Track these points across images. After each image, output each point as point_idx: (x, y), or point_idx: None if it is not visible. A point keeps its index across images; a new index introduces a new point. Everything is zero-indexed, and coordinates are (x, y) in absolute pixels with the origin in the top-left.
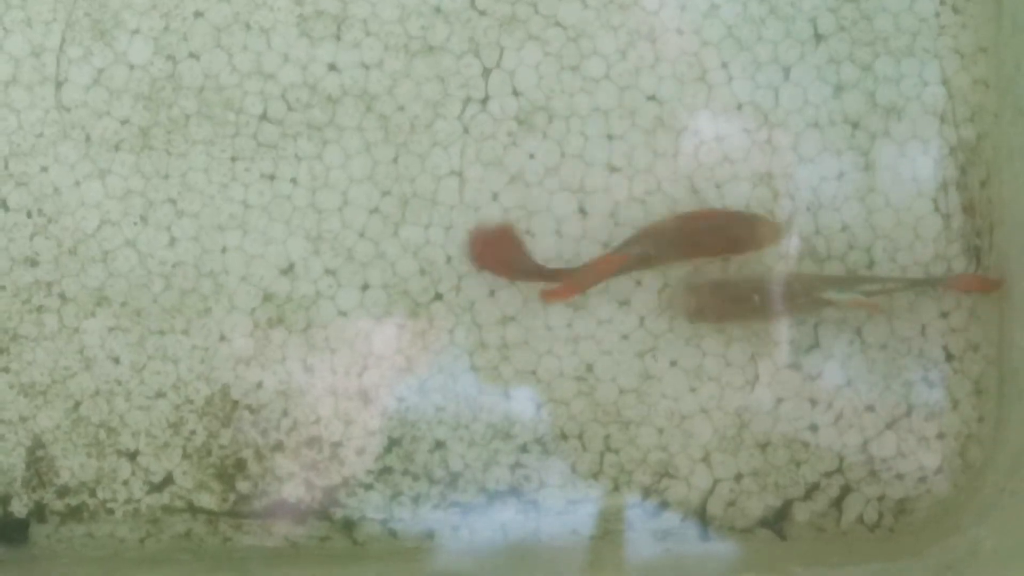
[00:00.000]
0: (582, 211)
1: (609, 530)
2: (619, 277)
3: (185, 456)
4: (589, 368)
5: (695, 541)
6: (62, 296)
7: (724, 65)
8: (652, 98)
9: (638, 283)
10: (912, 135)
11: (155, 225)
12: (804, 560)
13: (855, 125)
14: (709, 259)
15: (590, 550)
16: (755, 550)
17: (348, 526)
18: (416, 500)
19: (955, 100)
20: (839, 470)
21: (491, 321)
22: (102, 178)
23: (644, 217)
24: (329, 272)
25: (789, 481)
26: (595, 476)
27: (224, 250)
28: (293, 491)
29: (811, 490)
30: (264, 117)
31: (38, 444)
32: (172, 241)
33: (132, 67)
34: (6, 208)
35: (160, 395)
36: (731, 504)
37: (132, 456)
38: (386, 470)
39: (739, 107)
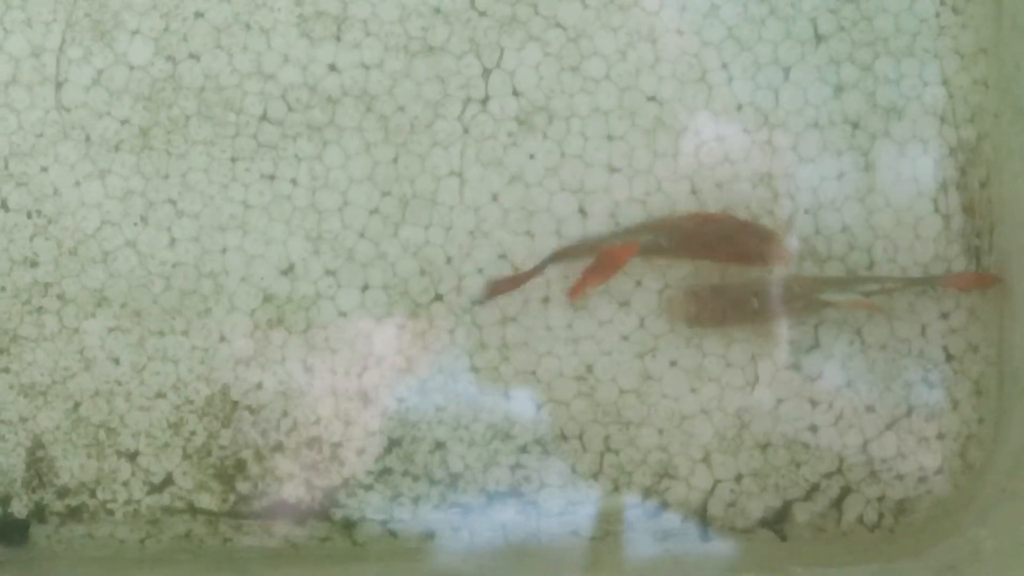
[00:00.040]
0: (582, 211)
1: (609, 531)
2: (617, 279)
3: (185, 457)
4: (589, 369)
5: (695, 542)
6: (62, 297)
7: (724, 66)
8: (652, 99)
9: (638, 283)
10: (912, 135)
11: (155, 226)
12: (804, 561)
13: (855, 125)
14: (713, 263)
15: (590, 551)
16: (755, 551)
17: (348, 527)
18: (416, 501)
19: (955, 100)
20: (839, 471)
21: (491, 322)
22: (102, 178)
23: (645, 217)
24: (329, 273)
25: (789, 482)
26: (595, 477)
27: (224, 251)
28: (293, 492)
29: (811, 491)
30: (264, 117)
31: (38, 445)
32: (172, 242)
33: (132, 68)
34: (6, 208)
35: (160, 396)
36: (731, 505)
37: (132, 457)
38: (386, 471)
39: (739, 108)
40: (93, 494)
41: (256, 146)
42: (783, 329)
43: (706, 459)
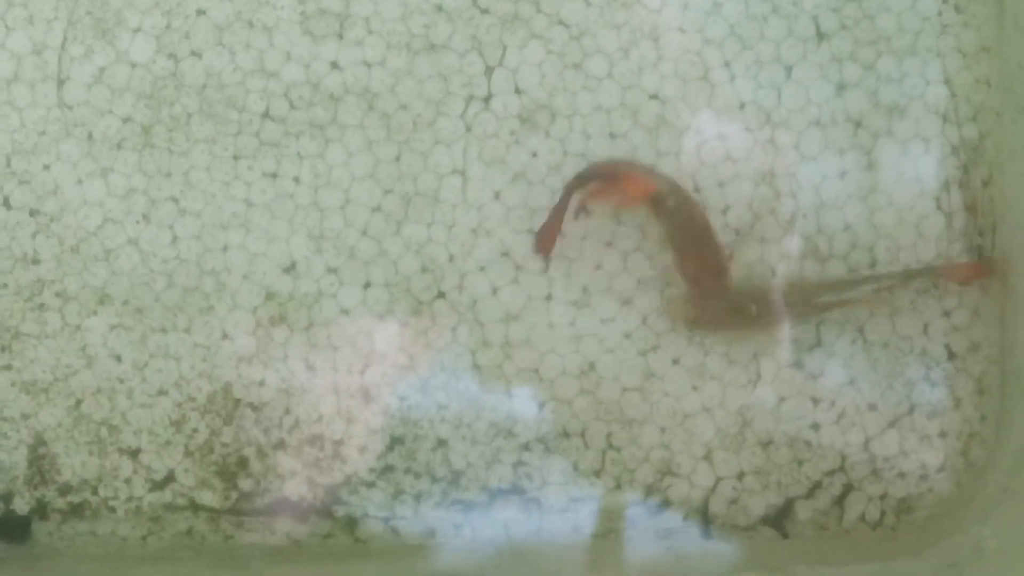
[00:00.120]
0: (584, 210)
1: (611, 528)
2: (620, 277)
3: (187, 454)
4: (591, 366)
5: (697, 539)
6: (64, 294)
7: (726, 64)
8: (654, 97)
9: (640, 282)
10: (914, 134)
11: (157, 223)
12: (806, 558)
13: (857, 124)
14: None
15: (592, 548)
16: (757, 548)
17: (350, 524)
18: (418, 498)
19: (957, 99)
20: (841, 468)
21: (494, 319)
22: (104, 176)
23: (645, 216)
24: (331, 270)
25: (791, 479)
26: (597, 474)
27: (226, 248)
28: (295, 489)
29: (813, 488)
30: (266, 115)
31: (40, 442)
32: (174, 239)
33: (134, 65)
34: (8, 206)
35: (162, 393)
36: (733, 502)
37: (134, 454)
38: (388, 468)
39: (741, 106)
40: (95, 491)
41: (258, 144)
42: (782, 334)
43: (708, 457)
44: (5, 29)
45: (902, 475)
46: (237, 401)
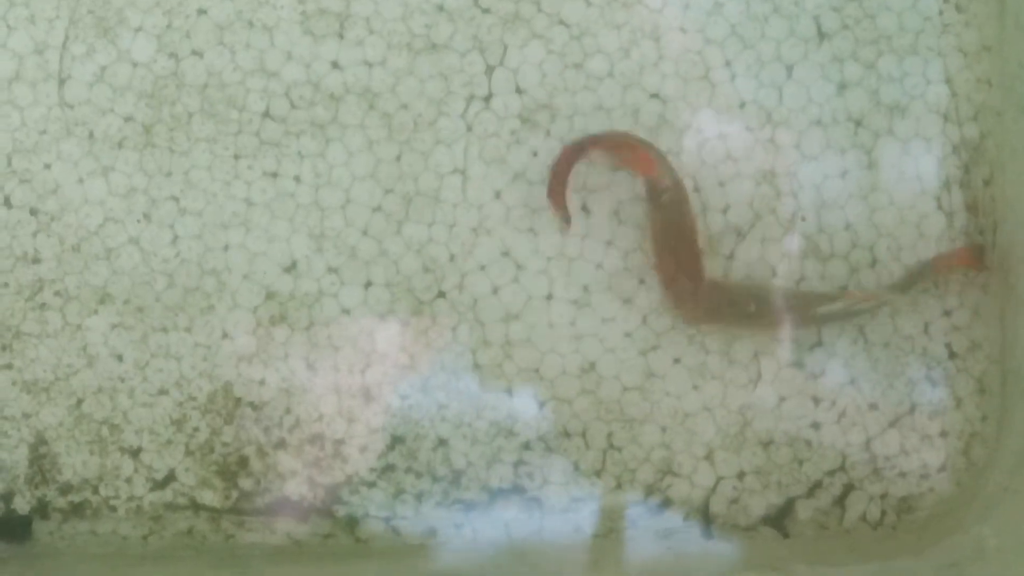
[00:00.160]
0: (585, 209)
1: (612, 528)
2: (620, 276)
3: (188, 453)
4: (592, 366)
5: (698, 539)
6: (65, 294)
7: (727, 63)
8: (655, 96)
9: (641, 281)
10: (915, 133)
11: (158, 223)
12: (807, 558)
13: (858, 123)
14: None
15: (593, 548)
16: (758, 548)
17: (351, 524)
18: (419, 498)
19: (958, 98)
20: (842, 468)
21: (494, 319)
22: (105, 175)
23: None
24: (332, 270)
25: (792, 479)
26: (598, 474)
27: (227, 248)
28: (296, 488)
29: (814, 488)
30: (267, 115)
31: (41, 441)
32: (175, 239)
33: (135, 64)
34: (9, 205)
35: (163, 392)
36: (734, 502)
37: (135, 453)
38: (389, 468)
39: (742, 105)
40: (96, 490)
41: (259, 143)
42: (782, 334)
43: (709, 456)
44: (7, 28)
45: (903, 474)
46: (238, 400)
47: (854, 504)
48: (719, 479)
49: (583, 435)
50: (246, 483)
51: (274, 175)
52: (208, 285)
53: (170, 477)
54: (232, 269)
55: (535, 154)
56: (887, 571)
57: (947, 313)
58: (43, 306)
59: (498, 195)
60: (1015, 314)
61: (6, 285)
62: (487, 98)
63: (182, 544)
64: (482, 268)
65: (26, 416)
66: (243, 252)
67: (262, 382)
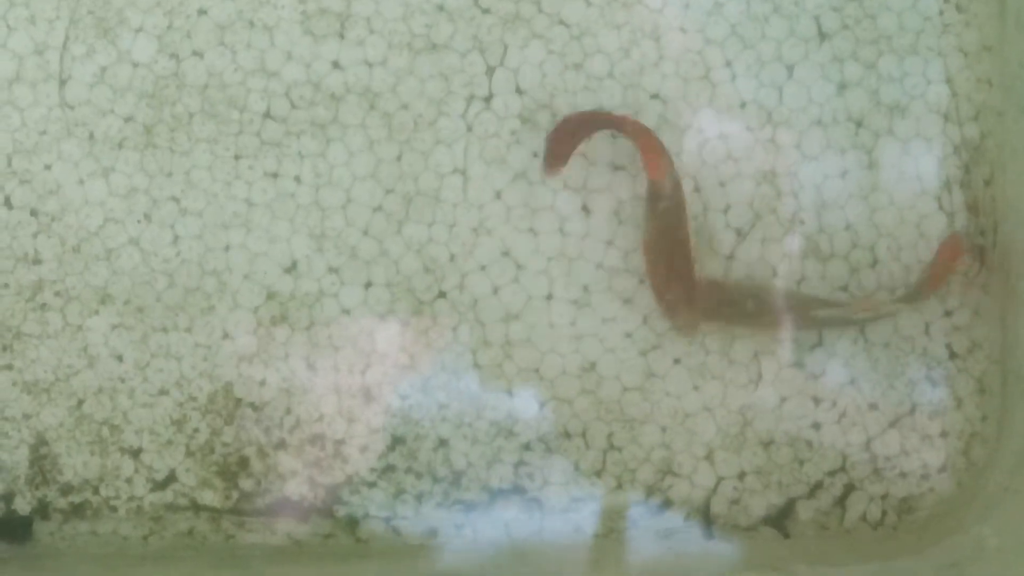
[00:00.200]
0: (585, 209)
1: (612, 528)
2: (621, 276)
3: (188, 454)
4: (592, 366)
5: (698, 539)
6: (65, 294)
7: (728, 63)
8: (656, 96)
9: (641, 281)
10: (916, 133)
11: (159, 223)
12: (807, 558)
13: (859, 123)
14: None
15: (593, 548)
16: (758, 548)
17: (351, 524)
18: (419, 498)
19: (959, 98)
20: (842, 468)
21: (494, 319)
22: (106, 176)
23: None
24: (332, 270)
25: (792, 479)
26: (598, 474)
27: (227, 248)
28: (296, 489)
29: (814, 488)
30: (268, 115)
31: (41, 442)
32: (175, 239)
33: (136, 65)
34: (9, 206)
35: (163, 393)
36: (734, 502)
37: (135, 454)
38: (389, 468)
39: (743, 105)
40: (96, 491)
41: (259, 143)
42: (782, 334)
43: (709, 457)
44: (7, 29)
45: (903, 475)
46: (238, 401)
47: (855, 504)
48: (720, 479)
49: (583, 435)
50: (246, 483)
51: (275, 175)
52: (209, 285)
53: (170, 477)
54: (233, 269)
55: (535, 154)
56: (887, 571)
57: (947, 313)
58: (44, 307)
59: (498, 195)
60: (1015, 314)
61: (6, 286)
62: (487, 98)
63: (182, 544)
64: (482, 268)
65: (27, 417)
66: (244, 252)
67: (262, 382)
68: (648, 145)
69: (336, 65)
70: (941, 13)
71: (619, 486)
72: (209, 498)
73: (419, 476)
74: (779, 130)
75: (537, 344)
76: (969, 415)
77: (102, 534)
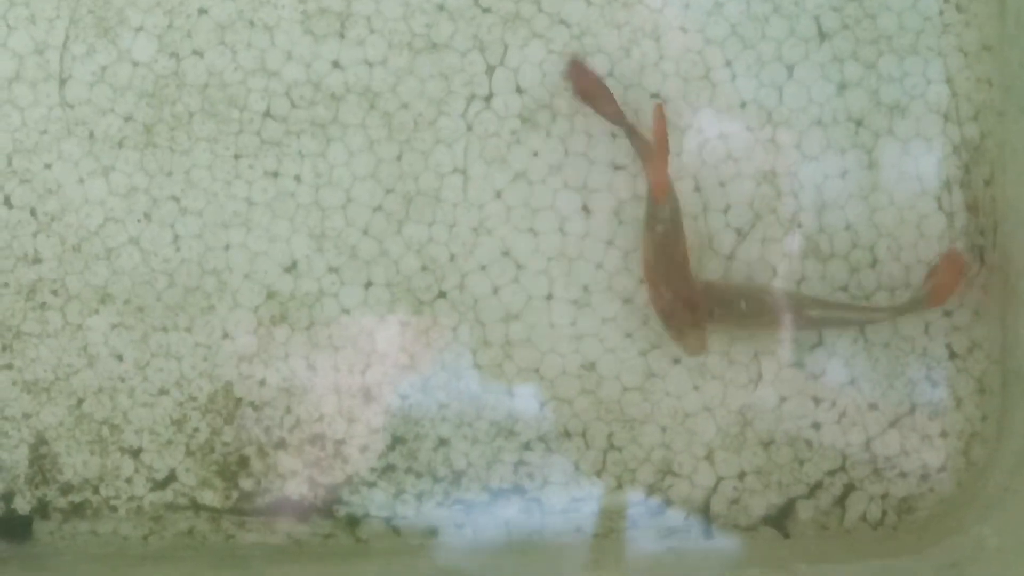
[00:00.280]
0: (586, 209)
1: (612, 528)
2: (621, 276)
3: (188, 453)
4: (592, 366)
5: (698, 539)
6: (65, 293)
7: (728, 63)
8: (656, 96)
9: (641, 281)
10: (916, 133)
11: (159, 222)
12: (807, 558)
13: (859, 123)
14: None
15: (593, 548)
16: (758, 548)
17: (351, 523)
18: (419, 498)
19: (959, 98)
20: (842, 468)
21: (494, 319)
22: (106, 175)
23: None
24: (332, 270)
25: (792, 479)
26: (598, 474)
27: (228, 247)
28: (296, 488)
29: (814, 488)
30: (268, 114)
31: (41, 441)
32: (176, 238)
33: (136, 64)
34: (9, 205)
35: (163, 392)
36: (734, 502)
37: (135, 453)
38: (389, 468)
39: (743, 105)
40: (96, 491)
41: (260, 143)
42: (779, 334)
43: (709, 456)
44: (7, 28)
45: (903, 475)
46: (238, 400)
47: (854, 504)
48: (719, 479)
49: (583, 435)
50: (246, 483)
51: (275, 175)
52: (209, 285)
53: (170, 477)
54: (233, 269)
55: (535, 154)
56: (887, 571)
57: (947, 313)
58: (43, 306)
59: (498, 195)
60: (1015, 314)
61: (6, 285)
62: (488, 98)
63: (182, 544)
64: (482, 268)
65: (26, 416)
66: (244, 252)
67: (262, 382)
68: (658, 170)
69: (336, 65)
70: (941, 13)
71: (619, 486)
72: (209, 498)
73: (419, 476)
74: (779, 130)
75: (537, 344)
76: (969, 415)
77: (102, 534)
